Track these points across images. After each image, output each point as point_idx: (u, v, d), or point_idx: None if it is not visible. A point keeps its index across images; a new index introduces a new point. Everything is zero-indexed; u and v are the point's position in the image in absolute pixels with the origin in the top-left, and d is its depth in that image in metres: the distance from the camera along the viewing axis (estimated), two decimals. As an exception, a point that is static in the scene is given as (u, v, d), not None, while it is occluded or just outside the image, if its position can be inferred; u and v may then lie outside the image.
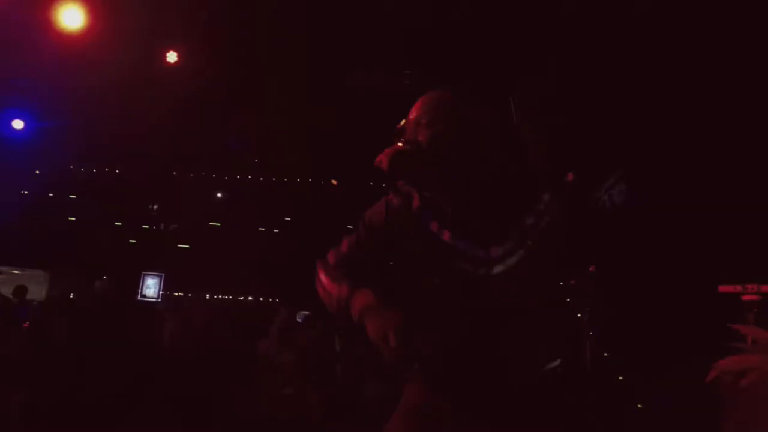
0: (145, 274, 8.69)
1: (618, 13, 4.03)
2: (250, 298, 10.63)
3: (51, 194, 10.09)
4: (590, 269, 2.83)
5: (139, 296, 8.46)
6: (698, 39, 3.86)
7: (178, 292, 9.93)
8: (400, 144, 1.33)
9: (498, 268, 1.26)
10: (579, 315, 2.90)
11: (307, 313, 7.57)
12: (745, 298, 2.29)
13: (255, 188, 10.65)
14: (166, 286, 9.03)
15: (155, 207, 9.73)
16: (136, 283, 8.62)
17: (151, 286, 8.72)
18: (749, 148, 3.43)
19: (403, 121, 1.38)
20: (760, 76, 3.46)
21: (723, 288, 2.37)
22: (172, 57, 5.66)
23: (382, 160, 1.30)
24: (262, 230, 10.54)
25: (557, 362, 1.34)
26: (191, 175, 11.02)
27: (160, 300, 8.59)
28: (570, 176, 1.39)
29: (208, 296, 10.14)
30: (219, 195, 9.89)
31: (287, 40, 5.13)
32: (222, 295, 10.06)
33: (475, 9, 4.42)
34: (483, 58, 4.58)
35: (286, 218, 10.39)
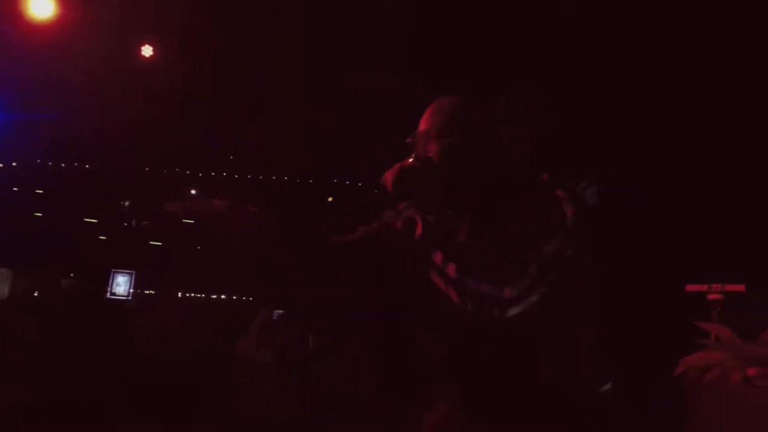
0: (115, 272, 8.48)
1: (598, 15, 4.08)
2: (223, 297, 10.49)
3: (16, 189, 9.75)
4: None
5: (108, 294, 8.26)
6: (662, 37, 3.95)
7: (149, 291, 9.74)
8: (409, 160, 1.22)
9: (513, 310, 1.08)
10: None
11: (281, 311, 7.53)
12: (711, 297, 2.39)
13: (231, 186, 10.50)
14: (137, 284, 8.84)
15: (126, 203, 9.51)
16: (106, 281, 8.41)
17: (121, 284, 8.52)
18: (717, 150, 3.55)
19: (413, 135, 1.28)
20: (729, 79, 3.59)
21: (690, 287, 2.46)
22: (147, 51, 5.55)
23: (387, 178, 1.19)
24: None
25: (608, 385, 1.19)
26: (165, 171, 10.82)
27: (130, 298, 8.41)
28: (545, 177, 1.27)
29: (181, 294, 9.99)
30: (193, 192, 9.71)
31: (267, 34, 5.07)
32: (196, 293, 9.90)
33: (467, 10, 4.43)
34: (474, 59, 4.57)
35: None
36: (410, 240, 1.20)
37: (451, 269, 1.12)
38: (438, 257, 1.15)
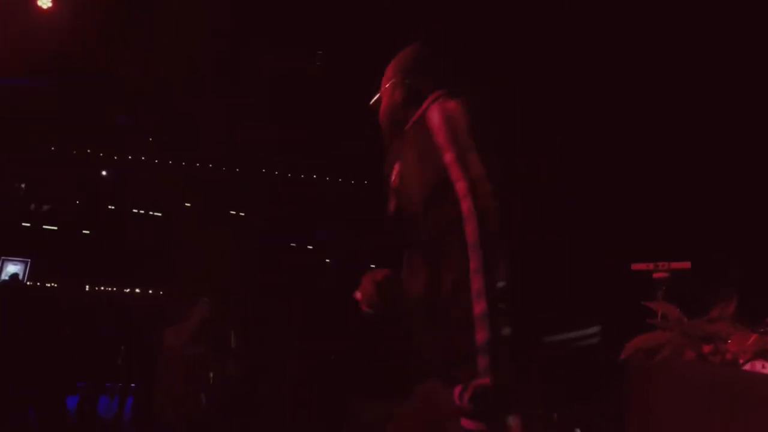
0: (5, 260, 7.48)
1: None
2: (137, 290, 9.64)
3: None
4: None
5: (-4, 285, 7.22)
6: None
7: (49, 283, 8.74)
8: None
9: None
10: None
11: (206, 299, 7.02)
12: (656, 275, 2.28)
13: (150, 169, 9.68)
14: (33, 274, 7.86)
15: (23, 186, 8.46)
16: (-6, 270, 7.39)
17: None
18: (663, 131, 3.55)
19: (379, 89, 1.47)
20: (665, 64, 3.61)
21: (636, 266, 2.36)
22: (45, 2, 4.82)
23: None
24: (157, 215, 9.59)
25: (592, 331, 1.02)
26: (74, 152, 9.79)
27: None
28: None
29: (87, 288, 9.07)
30: (104, 173, 8.83)
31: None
32: (103, 286, 9.01)
33: None
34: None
35: (187, 204, 9.55)
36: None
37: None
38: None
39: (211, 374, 5.73)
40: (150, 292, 9.44)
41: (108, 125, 8.08)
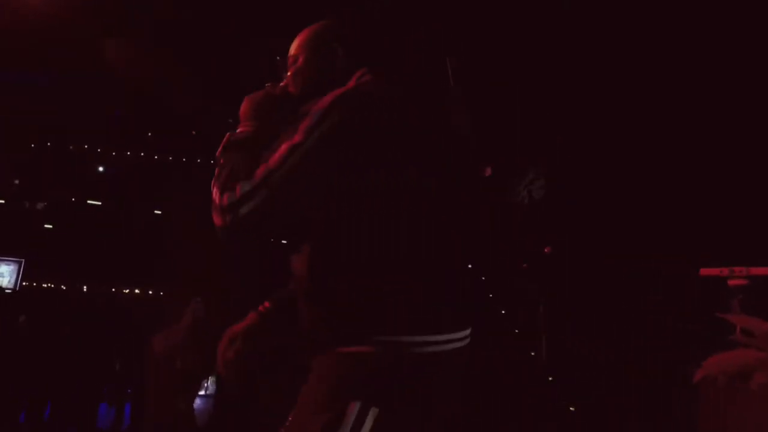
0: (-2, 260, 7.19)
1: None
2: (137, 291, 9.36)
3: None
4: (545, 251, 2.46)
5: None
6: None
7: (45, 283, 8.46)
8: (267, 85, 1.25)
9: (242, 210, 1.02)
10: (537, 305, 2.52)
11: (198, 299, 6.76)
12: (732, 283, 1.97)
13: (149, 166, 9.38)
14: (27, 274, 7.57)
15: (17, 182, 8.17)
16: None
17: (5, 274, 7.23)
18: (729, 131, 3.31)
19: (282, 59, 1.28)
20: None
21: (705, 271, 2.05)
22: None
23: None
24: (157, 213, 9.30)
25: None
26: (70, 147, 9.49)
27: (17, 291, 7.14)
28: (488, 171, 1.30)
29: (85, 288, 8.80)
30: (101, 169, 8.54)
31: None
32: (99, 285, 8.73)
33: None
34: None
35: (186, 201, 9.26)
36: None
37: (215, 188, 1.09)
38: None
39: (208, 382, 5.47)
40: (150, 292, 9.17)
41: (105, 121, 7.80)
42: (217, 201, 1.01)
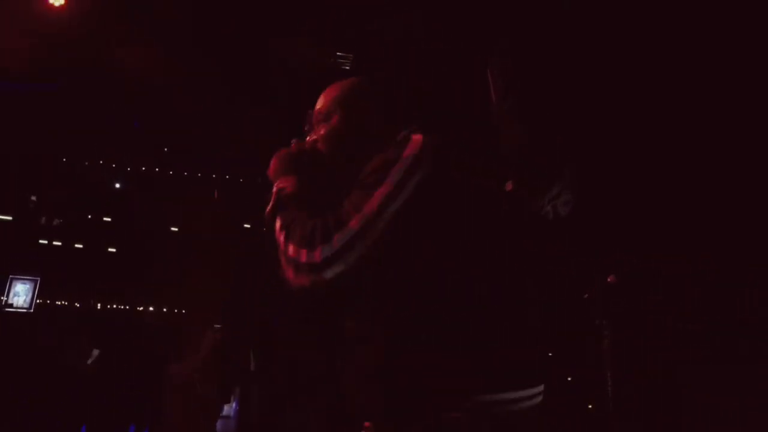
0: (13, 278, 7.07)
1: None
2: (151, 309, 9.21)
3: None
4: (608, 280, 2.26)
5: (3, 305, 6.85)
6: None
7: (59, 301, 8.34)
8: (293, 142, 1.23)
9: (327, 274, 0.95)
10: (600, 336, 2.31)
11: (217, 326, 6.63)
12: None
13: (167, 181, 9.29)
14: (43, 293, 7.45)
15: (34, 198, 8.09)
16: (2, 290, 6.98)
17: (20, 294, 7.10)
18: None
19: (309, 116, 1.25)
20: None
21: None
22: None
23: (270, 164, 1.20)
24: (174, 230, 9.19)
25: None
26: (86, 163, 9.42)
27: (32, 310, 7.02)
28: (509, 186, 1.24)
29: (99, 306, 8.68)
30: (117, 186, 8.44)
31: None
32: (116, 305, 8.61)
33: None
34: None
35: (204, 218, 9.17)
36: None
37: (281, 239, 1.03)
38: (277, 226, 1.06)
39: (227, 405, 5.35)
40: (164, 310, 9.03)
41: (122, 135, 7.71)
42: (303, 258, 0.95)
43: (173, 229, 9.00)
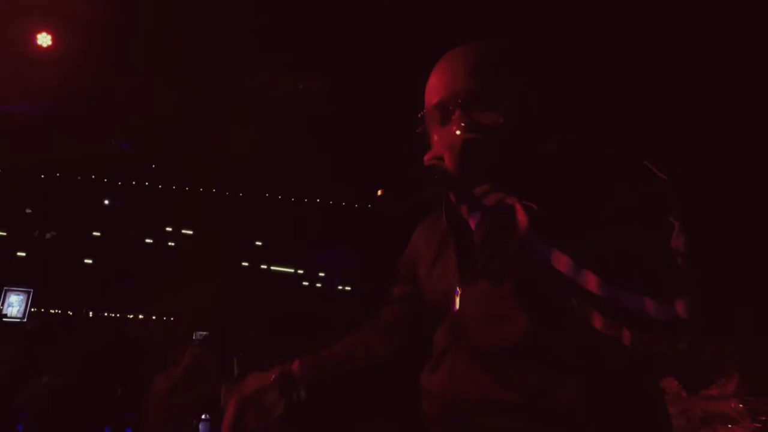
0: (7, 290, 7.46)
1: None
2: (141, 317, 9.59)
3: None
4: None
5: (-2, 315, 7.21)
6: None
7: (53, 310, 8.70)
8: (380, 193, 0.90)
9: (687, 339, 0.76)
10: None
11: (204, 333, 6.90)
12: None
13: (153, 196, 9.68)
14: (36, 304, 7.82)
15: (29, 210, 8.47)
16: (-3, 301, 7.36)
17: (14, 304, 7.49)
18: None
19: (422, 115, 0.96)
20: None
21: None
22: (45, 40, 4.86)
23: (445, 156, 0.85)
24: (149, 242, 9.54)
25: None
26: (78, 178, 9.83)
27: (26, 320, 7.39)
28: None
29: (91, 314, 9.02)
30: (106, 202, 8.83)
31: (179, 19, 4.53)
32: (107, 313, 8.98)
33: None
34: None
35: (185, 231, 9.53)
36: (505, 237, 0.80)
37: (591, 280, 0.74)
38: (563, 262, 0.75)
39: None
40: (153, 317, 9.40)
41: (111, 153, 8.10)
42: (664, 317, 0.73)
43: (170, 243, 9.32)
